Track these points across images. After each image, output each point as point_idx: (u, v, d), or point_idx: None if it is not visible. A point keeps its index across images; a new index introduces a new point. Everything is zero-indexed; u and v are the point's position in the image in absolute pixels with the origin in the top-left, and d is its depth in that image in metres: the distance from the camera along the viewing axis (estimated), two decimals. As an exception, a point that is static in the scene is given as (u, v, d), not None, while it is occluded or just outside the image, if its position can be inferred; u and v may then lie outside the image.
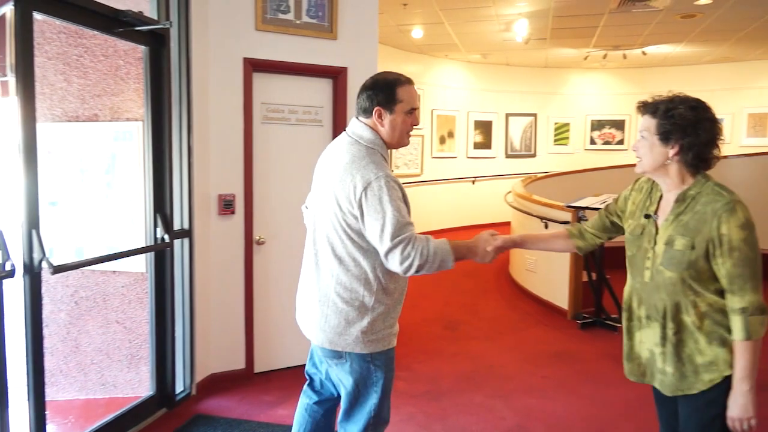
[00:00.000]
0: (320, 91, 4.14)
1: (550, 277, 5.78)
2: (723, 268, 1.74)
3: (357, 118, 2.14)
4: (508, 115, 11.66)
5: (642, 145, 1.86)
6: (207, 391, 3.79)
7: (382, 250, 1.94)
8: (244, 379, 3.98)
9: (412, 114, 2.10)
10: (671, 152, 1.79)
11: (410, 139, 2.19)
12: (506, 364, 4.35)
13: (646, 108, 1.85)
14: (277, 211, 4.08)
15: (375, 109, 2.06)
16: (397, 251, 1.91)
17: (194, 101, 3.57)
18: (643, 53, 10.11)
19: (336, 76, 4.12)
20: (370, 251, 2.01)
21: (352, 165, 2.00)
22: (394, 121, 2.07)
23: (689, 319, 1.82)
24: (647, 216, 1.93)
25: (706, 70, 11.18)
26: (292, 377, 3.99)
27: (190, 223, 3.62)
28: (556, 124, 12.04)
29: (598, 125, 12.09)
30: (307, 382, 2.41)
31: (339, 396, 2.25)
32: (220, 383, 3.89)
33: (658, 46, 9.70)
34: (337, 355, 2.09)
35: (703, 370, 1.81)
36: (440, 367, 4.27)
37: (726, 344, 1.79)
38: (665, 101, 1.80)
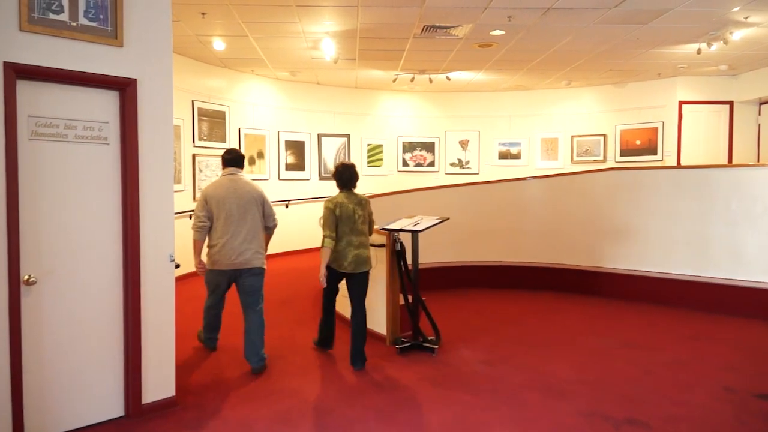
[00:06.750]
0: (105, 104, 3.59)
1: (367, 303, 5.66)
2: None
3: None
4: (320, 136, 11.57)
5: None
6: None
7: (271, 219, 4.86)
8: (11, 453, 3.28)
9: None
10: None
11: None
12: (325, 399, 4.12)
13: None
14: (54, 242, 3.44)
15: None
16: (276, 221, 4.90)
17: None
18: (448, 78, 10.71)
19: (124, 88, 3.60)
20: (262, 219, 4.80)
21: (257, 187, 4.82)
22: None
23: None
24: None
25: (504, 97, 12.05)
26: (75, 443, 3.40)
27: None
28: (369, 145, 12.15)
29: (409, 147, 12.44)
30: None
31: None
32: (-26, 463, 3.14)
33: (461, 72, 10.35)
34: (262, 271, 4.74)
35: None
36: (255, 410, 3.90)
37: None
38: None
